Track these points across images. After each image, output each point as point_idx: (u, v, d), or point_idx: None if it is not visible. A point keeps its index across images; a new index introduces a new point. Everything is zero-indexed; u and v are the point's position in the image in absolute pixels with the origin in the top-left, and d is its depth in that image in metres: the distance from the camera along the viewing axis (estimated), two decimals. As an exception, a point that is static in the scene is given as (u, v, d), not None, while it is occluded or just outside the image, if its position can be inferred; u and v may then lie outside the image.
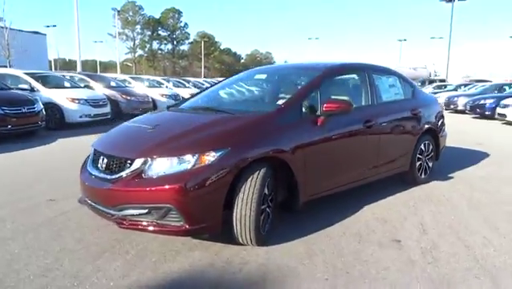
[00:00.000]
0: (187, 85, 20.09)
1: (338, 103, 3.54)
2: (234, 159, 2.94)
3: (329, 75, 3.98)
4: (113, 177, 3.03)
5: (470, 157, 6.93)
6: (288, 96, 3.79)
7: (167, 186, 2.81)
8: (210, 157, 2.87)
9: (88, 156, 3.65)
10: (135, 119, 4.11)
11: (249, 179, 2.99)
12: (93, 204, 3.23)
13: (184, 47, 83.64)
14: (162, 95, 15.87)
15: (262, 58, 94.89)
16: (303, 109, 3.54)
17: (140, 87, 16.06)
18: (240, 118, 3.37)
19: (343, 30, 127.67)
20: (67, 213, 3.98)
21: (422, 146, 5.00)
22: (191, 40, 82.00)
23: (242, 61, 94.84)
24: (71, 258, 3.03)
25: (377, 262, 2.97)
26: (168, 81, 19.64)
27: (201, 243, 3.25)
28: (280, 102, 3.75)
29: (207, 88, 4.81)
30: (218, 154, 2.88)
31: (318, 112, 3.59)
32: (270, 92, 4.37)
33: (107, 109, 12.16)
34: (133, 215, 2.94)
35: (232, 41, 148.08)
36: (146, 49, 78.70)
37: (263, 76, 4.55)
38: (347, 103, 3.56)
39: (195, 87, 19.85)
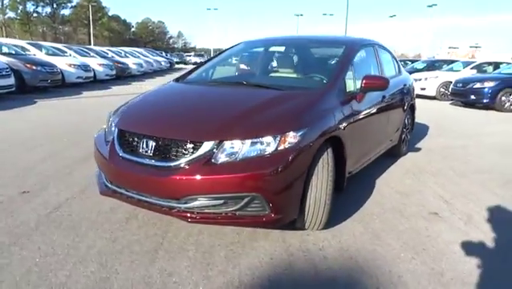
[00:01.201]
0: (91, 54, 18.04)
1: (376, 80, 3.48)
2: (312, 139, 2.70)
3: (356, 50, 3.87)
4: (173, 164, 2.55)
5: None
6: (318, 72, 3.63)
7: (251, 172, 2.46)
8: (291, 138, 2.58)
9: (104, 137, 3.07)
10: (151, 92, 3.54)
11: (321, 160, 2.79)
12: (138, 196, 2.71)
13: (66, 11, 75.12)
14: (70, 65, 14.05)
15: (154, 27, 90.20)
16: (345, 86, 3.41)
17: (40, 56, 13.96)
18: (299, 95, 3.09)
19: (243, 1, 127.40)
20: (61, 207, 3.30)
21: (405, 120, 5.27)
22: (74, 4, 73.86)
23: (133, 29, 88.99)
24: (123, 262, 2.53)
25: (439, 236, 3.06)
26: (69, 49, 17.41)
27: (256, 232, 2.97)
28: (316, 77, 3.56)
29: (212, 58, 4.30)
30: (299, 134, 2.61)
31: (353, 89, 3.49)
32: (299, 67, 4.09)
33: (11, 80, 10.36)
34: (205, 207, 2.53)
35: (121, 7, 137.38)
36: (19, 11, 68.69)
37: (280, 48, 4.25)
38: (384, 79, 3.52)
39: (98, 55, 17.89)
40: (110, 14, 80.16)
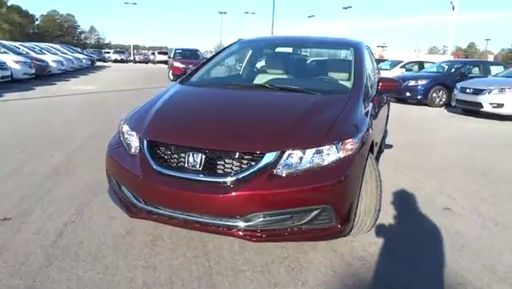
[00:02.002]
0: (2, 49, 15.97)
1: (391, 82, 3.50)
2: (364, 144, 2.62)
3: (363, 51, 3.84)
4: (230, 179, 2.30)
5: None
6: (339, 74, 3.54)
7: (320, 184, 2.31)
8: (351, 145, 2.46)
9: (125, 149, 2.68)
10: (170, 97, 3.20)
11: (368, 165, 2.72)
12: (185, 216, 2.40)
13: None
14: (17, 62, 12.50)
15: (62, 20, 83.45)
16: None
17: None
18: (338, 100, 2.95)
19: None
20: (64, 235, 2.84)
21: (387, 114, 5.44)
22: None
23: (37, 22, 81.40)
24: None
25: (467, 232, 3.18)
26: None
27: (302, 244, 2.81)
28: (339, 80, 3.47)
29: (212, 59, 3.97)
30: (356, 141, 2.51)
31: (370, 91, 3.47)
32: (316, 69, 3.94)
33: None
34: (269, 224, 2.32)
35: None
36: None
37: (288, 49, 4.06)
38: (397, 81, 3.55)
39: (11, 51, 15.92)
40: (9, 3, 72.40)
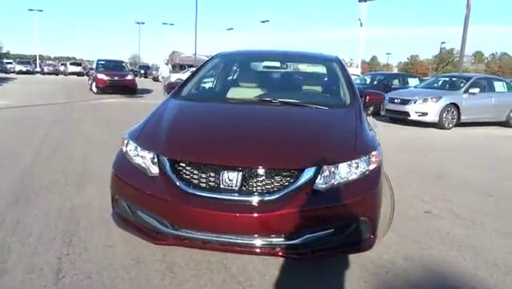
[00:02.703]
0: None
1: (376, 95, 3.67)
2: (381, 157, 2.72)
3: (343, 65, 3.99)
4: (272, 197, 2.23)
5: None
6: (332, 87, 3.64)
7: (359, 197, 2.35)
8: (375, 157, 2.54)
9: (140, 171, 2.47)
10: (177, 113, 3.02)
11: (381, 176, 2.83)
12: (221, 239, 2.27)
13: None
14: None
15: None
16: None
17: None
18: (347, 114, 3.01)
19: (71, 3, 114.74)
20: (64, 272, 2.53)
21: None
22: None
23: None
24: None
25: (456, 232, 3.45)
26: None
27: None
28: (335, 93, 3.55)
29: (196, 74, 3.79)
30: (378, 153, 2.60)
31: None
32: (306, 82, 3.94)
33: None
34: (312, 241, 2.28)
35: None
36: None
37: (275, 64, 4.02)
38: (382, 94, 3.75)
39: None
40: None
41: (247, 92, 3.46)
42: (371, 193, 2.39)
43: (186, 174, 2.34)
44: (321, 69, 4.03)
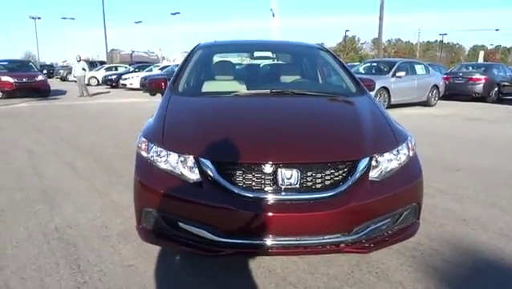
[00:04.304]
0: None
1: (368, 82, 3.68)
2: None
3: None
4: (334, 192, 2.12)
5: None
6: (334, 76, 3.60)
7: (409, 184, 2.34)
8: (410, 143, 2.54)
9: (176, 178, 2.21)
10: (199, 112, 2.76)
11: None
12: (282, 242, 2.11)
13: None
14: None
15: None
16: None
17: None
18: (363, 101, 2.97)
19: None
20: None
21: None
22: None
23: None
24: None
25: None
26: None
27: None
28: (339, 82, 3.49)
29: (186, 68, 3.44)
30: (411, 139, 2.61)
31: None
32: (305, 72, 3.78)
33: None
34: (372, 232, 2.23)
35: None
36: None
37: (267, 53, 3.79)
38: (372, 81, 3.79)
39: None
40: None
41: (249, 84, 3.28)
42: (417, 178, 2.40)
43: (237, 177, 2.13)
44: (313, 57, 3.95)
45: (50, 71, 40.03)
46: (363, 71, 13.09)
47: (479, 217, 3.40)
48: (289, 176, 2.11)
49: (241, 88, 3.19)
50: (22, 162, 5.31)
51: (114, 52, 42.66)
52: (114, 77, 24.14)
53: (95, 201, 3.75)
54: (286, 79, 3.56)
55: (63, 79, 32.73)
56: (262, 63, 3.91)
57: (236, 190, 2.08)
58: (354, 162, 2.20)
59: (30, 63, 19.09)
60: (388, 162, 2.32)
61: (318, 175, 2.15)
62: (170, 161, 2.25)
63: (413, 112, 11.53)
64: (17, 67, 17.61)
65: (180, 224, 2.18)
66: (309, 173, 2.14)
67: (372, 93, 10.40)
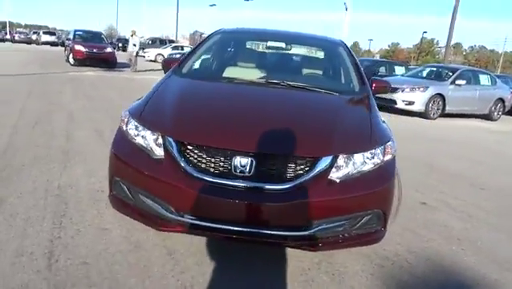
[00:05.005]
0: None
1: (383, 83, 3.57)
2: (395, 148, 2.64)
3: (349, 48, 3.86)
4: (288, 185, 2.12)
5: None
6: (341, 72, 3.53)
7: (374, 189, 2.27)
8: (389, 148, 2.45)
9: (143, 152, 2.31)
10: (183, 92, 2.85)
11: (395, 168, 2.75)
12: (231, 227, 2.15)
13: None
14: None
15: None
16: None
17: None
18: (359, 101, 2.91)
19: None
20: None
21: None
22: None
23: None
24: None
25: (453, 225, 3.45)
26: None
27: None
28: (343, 78, 3.43)
29: (195, 51, 3.58)
30: (392, 144, 2.51)
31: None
32: (306, 66, 3.78)
33: None
34: (326, 231, 2.20)
35: None
36: None
37: (280, 44, 3.82)
38: (388, 82, 3.65)
39: None
40: None
41: (251, 73, 3.30)
42: (385, 185, 2.31)
43: (194, 158, 2.20)
44: (328, 53, 3.88)
45: (125, 44, 42.34)
46: (424, 75, 12.46)
47: (477, 240, 3.18)
48: (244, 163, 2.13)
49: (242, 75, 3.22)
50: (59, 124, 5.77)
51: (196, 34, 43.61)
52: (178, 56, 24.86)
53: (105, 167, 4.00)
54: (294, 71, 3.53)
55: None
56: (275, 52, 3.90)
57: (190, 170, 2.15)
58: (314, 159, 2.17)
59: (102, 35, 20.38)
60: (357, 164, 2.26)
61: (274, 167, 2.15)
62: (143, 137, 2.36)
63: (469, 124, 10.85)
64: (90, 37, 18.92)
65: (141, 196, 2.30)
66: (265, 164, 2.15)
67: (423, 99, 10.14)
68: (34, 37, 45.69)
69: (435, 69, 12.72)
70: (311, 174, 2.14)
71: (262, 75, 3.34)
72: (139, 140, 2.37)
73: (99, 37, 19.61)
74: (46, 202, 3.08)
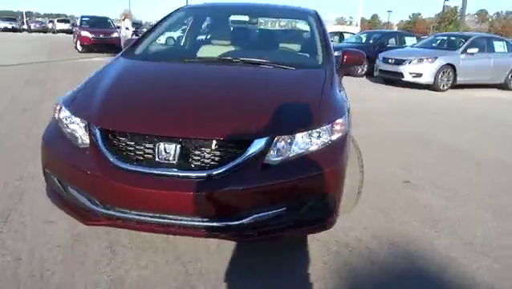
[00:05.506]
0: None
1: (355, 55, 3.27)
2: (348, 125, 2.41)
3: (321, 20, 3.57)
4: (215, 172, 1.93)
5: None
6: (305, 45, 3.28)
7: (316, 172, 2.05)
8: (339, 126, 2.22)
9: (69, 141, 2.17)
10: (118, 75, 2.66)
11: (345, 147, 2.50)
12: (158, 220, 2.00)
13: None
14: None
15: None
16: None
17: None
18: (315, 75, 2.67)
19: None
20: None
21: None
22: None
23: None
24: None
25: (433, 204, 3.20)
26: None
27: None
28: (307, 52, 3.17)
29: (154, 29, 3.39)
30: (344, 121, 2.27)
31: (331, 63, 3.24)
32: (275, 40, 3.54)
33: None
34: (261, 221, 2.01)
35: None
36: None
37: (244, 18, 3.59)
38: (362, 54, 3.36)
39: None
40: None
41: (209, 50, 3.10)
42: (332, 167, 2.09)
43: (119, 146, 2.04)
44: (295, 24, 3.63)
45: (137, 29, 42.26)
46: (434, 45, 11.84)
47: (456, 220, 2.94)
48: (168, 150, 1.96)
49: (200, 53, 3.03)
50: (47, 112, 5.70)
51: None
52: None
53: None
54: (256, 45, 3.30)
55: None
56: (239, 27, 3.65)
57: (113, 160, 1.99)
58: (246, 142, 1.98)
59: (109, 20, 20.27)
60: (299, 145, 2.05)
61: (201, 152, 1.97)
62: (72, 125, 2.22)
63: (482, 95, 10.27)
64: (97, 23, 18.87)
65: (70, 188, 2.17)
66: (191, 150, 1.97)
67: (431, 70, 9.63)
68: (49, 26, 46.21)
69: (445, 38, 12.06)
70: (242, 159, 1.95)
71: (221, 51, 3.13)
72: (69, 129, 2.22)
73: (105, 22, 19.54)
74: (3, 194, 3.00)
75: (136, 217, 2.01)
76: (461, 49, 10.54)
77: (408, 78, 10.25)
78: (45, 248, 2.34)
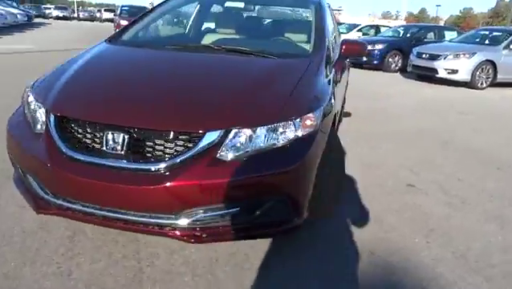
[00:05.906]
0: None
1: (356, 45, 3.05)
2: (327, 119, 2.20)
3: (325, 9, 3.32)
4: (162, 165, 1.80)
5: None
6: (298, 34, 3.07)
7: (275, 170, 1.87)
8: (310, 121, 2.02)
9: (29, 126, 2.12)
10: (87, 60, 2.56)
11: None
12: (104, 212, 1.90)
13: None
14: None
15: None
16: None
17: None
18: (296, 64, 2.47)
19: None
20: None
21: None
22: None
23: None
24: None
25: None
26: None
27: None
28: (298, 41, 2.98)
29: (148, 14, 3.31)
30: (317, 115, 2.07)
31: (332, 54, 3.01)
32: (269, 28, 3.39)
33: None
34: (211, 220, 1.87)
35: None
36: None
37: (239, 4, 3.45)
38: (363, 44, 3.11)
39: None
40: None
41: (196, 38, 2.97)
42: (293, 165, 1.89)
43: (70, 133, 1.96)
44: (294, 13, 3.41)
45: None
46: (475, 40, 11.10)
47: (454, 231, 2.66)
48: (116, 140, 1.85)
49: (179, 41, 2.90)
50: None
51: None
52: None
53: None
54: (247, 33, 3.12)
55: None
56: (235, 14, 3.48)
57: (62, 147, 1.91)
58: (197, 134, 1.83)
59: (146, 9, 20.64)
60: (260, 139, 1.88)
61: (149, 144, 1.85)
62: (32, 111, 2.17)
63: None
64: (136, 12, 19.24)
65: (28, 176, 2.11)
66: (139, 140, 1.85)
67: (468, 67, 8.99)
68: (97, 15, 48.10)
69: (488, 32, 11.26)
70: (191, 152, 1.81)
71: (210, 39, 2.98)
72: (33, 115, 2.16)
73: (143, 11, 19.89)
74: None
75: (82, 208, 1.92)
76: (503, 44, 9.80)
77: (442, 74, 9.66)
78: (8, 235, 2.30)
